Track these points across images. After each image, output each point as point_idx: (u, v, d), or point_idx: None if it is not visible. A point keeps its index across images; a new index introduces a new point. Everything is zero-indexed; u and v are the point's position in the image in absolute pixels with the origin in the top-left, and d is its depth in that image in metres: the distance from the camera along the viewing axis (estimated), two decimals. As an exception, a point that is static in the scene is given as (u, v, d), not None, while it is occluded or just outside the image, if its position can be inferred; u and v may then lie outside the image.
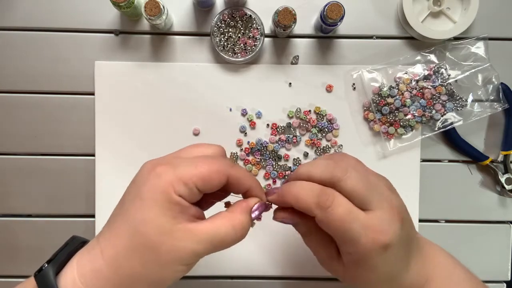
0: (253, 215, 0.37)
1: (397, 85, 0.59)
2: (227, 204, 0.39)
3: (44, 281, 0.33)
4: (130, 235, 0.33)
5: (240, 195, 0.39)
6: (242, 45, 0.57)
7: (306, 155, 0.60)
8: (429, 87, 0.59)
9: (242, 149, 0.59)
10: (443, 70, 0.59)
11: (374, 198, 0.34)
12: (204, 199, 0.36)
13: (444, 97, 0.59)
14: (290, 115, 0.59)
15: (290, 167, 0.60)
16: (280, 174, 0.59)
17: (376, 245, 0.33)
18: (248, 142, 0.59)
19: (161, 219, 0.32)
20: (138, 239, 0.32)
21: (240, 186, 0.36)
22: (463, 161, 0.61)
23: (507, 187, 0.60)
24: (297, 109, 0.59)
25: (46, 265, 0.34)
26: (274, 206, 0.40)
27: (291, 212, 0.38)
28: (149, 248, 0.32)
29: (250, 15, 0.57)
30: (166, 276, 0.33)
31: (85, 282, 0.33)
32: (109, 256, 0.33)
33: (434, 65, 0.59)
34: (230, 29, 0.57)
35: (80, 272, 0.33)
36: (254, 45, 0.57)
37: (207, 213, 0.37)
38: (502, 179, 0.60)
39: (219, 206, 0.39)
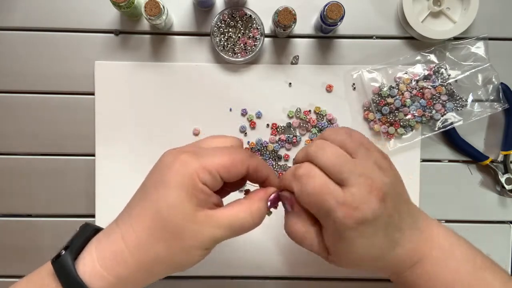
0: (269, 204, 0.38)
1: (397, 85, 0.59)
2: (247, 192, 0.41)
3: (62, 268, 0.33)
4: (154, 220, 0.33)
5: (257, 185, 0.40)
6: (242, 45, 0.57)
7: (306, 155, 0.60)
8: (429, 87, 0.59)
9: (242, 149, 0.59)
10: (443, 70, 0.59)
11: (350, 174, 0.34)
12: (222, 188, 0.38)
13: (444, 97, 0.59)
14: (290, 115, 0.59)
15: (290, 167, 0.60)
16: (280, 174, 0.59)
17: (350, 220, 0.34)
18: (248, 142, 0.59)
19: (186, 205, 0.33)
20: (162, 223, 0.33)
21: (258, 176, 0.38)
22: (463, 161, 0.61)
23: (507, 187, 0.60)
24: (297, 109, 0.59)
25: (64, 251, 0.34)
26: None
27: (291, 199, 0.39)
28: (174, 233, 0.33)
29: (250, 15, 0.57)
30: (188, 259, 0.34)
31: (104, 265, 0.33)
32: (131, 241, 0.33)
33: (434, 65, 0.59)
34: (230, 29, 0.57)
35: (100, 256, 0.34)
36: (254, 45, 0.57)
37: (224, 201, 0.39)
38: (502, 179, 0.60)
39: (234, 194, 0.41)
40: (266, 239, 0.59)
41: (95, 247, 0.34)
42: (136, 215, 0.34)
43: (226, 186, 0.38)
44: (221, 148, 0.36)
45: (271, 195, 0.38)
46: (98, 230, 0.37)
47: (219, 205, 0.36)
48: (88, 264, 0.33)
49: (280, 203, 0.40)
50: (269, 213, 0.41)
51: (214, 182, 0.34)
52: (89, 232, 0.36)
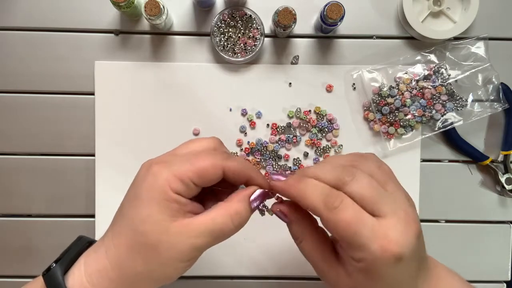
0: (254, 204, 0.36)
1: (397, 85, 0.59)
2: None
3: (52, 281, 0.33)
4: (130, 235, 0.33)
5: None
6: (242, 45, 0.57)
7: (306, 155, 0.60)
8: (429, 87, 0.59)
9: (242, 149, 0.59)
10: (443, 70, 0.59)
11: (387, 205, 0.32)
12: (210, 197, 0.37)
13: (444, 97, 0.59)
14: (290, 115, 0.59)
15: (290, 167, 0.60)
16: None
17: (387, 255, 0.31)
18: (248, 142, 0.59)
19: (158, 217, 0.32)
20: (138, 238, 0.33)
21: (238, 177, 0.36)
22: (463, 161, 0.61)
23: (507, 187, 0.60)
24: (297, 109, 0.59)
25: (54, 264, 0.34)
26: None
27: (290, 207, 0.37)
28: (149, 247, 0.32)
29: (250, 15, 0.57)
30: (168, 273, 0.34)
31: (91, 281, 0.33)
32: (112, 256, 0.33)
33: (434, 65, 0.59)
34: (230, 29, 0.57)
35: (87, 272, 0.34)
36: (254, 45, 0.57)
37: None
38: (502, 179, 0.60)
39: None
40: (266, 239, 0.59)
41: (83, 262, 0.35)
42: (117, 232, 0.34)
43: (219, 193, 0.38)
44: (193, 154, 0.35)
45: (252, 194, 0.36)
46: (92, 242, 0.37)
47: (198, 212, 0.35)
48: (76, 279, 0.34)
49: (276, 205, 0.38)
50: (262, 213, 0.40)
51: (188, 189, 0.33)
52: (82, 245, 0.36)
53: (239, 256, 0.60)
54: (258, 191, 0.37)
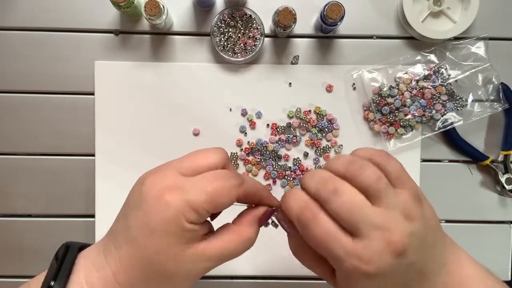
0: (262, 223, 0.37)
1: (397, 85, 0.59)
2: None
3: None
4: (144, 265, 0.33)
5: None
6: (242, 45, 0.57)
7: (306, 155, 0.60)
8: (429, 87, 0.59)
9: (242, 149, 0.59)
10: (443, 70, 0.59)
11: (365, 225, 0.31)
12: None
13: (444, 97, 0.59)
14: (290, 115, 0.59)
15: (290, 167, 0.60)
16: (280, 174, 0.59)
17: (358, 272, 0.31)
18: (248, 142, 0.59)
19: (174, 248, 0.32)
20: (153, 268, 0.33)
21: (250, 200, 0.36)
22: (463, 161, 0.61)
23: (507, 187, 0.60)
24: (297, 109, 0.59)
25: (53, 282, 0.33)
26: None
27: (288, 219, 0.37)
28: (165, 277, 0.33)
29: (250, 15, 0.57)
30: None
31: None
32: (123, 281, 0.33)
33: (434, 65, 0.59)
34: (230, 29, 0.57)
35: None
36: (254, 45, 0.57)
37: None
38: (502, 179, 0.60)
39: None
40: (266, 239, 0.59)
41: (84, 279, 0.34)
42: (126, 256, 0.33)
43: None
44: (206, 179, 0.33)
45: (261, 215, 0.36)
46: (82, 247, 0.36)
47: (210, 230, 0.35)
48: None
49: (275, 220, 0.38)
50: (266, 224, 0.39)
51: (201, 218, 0.33)
52: (74, 254, 0.35)
53: (239, 256, 0.60)
54: (268, 211, 0.37)
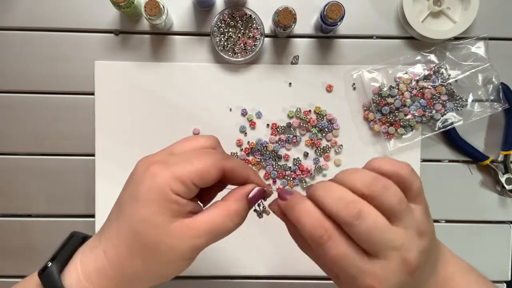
0: (252, 202, 0.36)
1: (397, 85, 0.59)
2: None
3: (48, 280, 0.33)
4: (130, 236, 0.33)
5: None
6: (242, 45, 0.57)
7: (306, 155, 0.60)
8: (429, 87, 0.59)
9: (242, 149, 0.59)
10: (443, 70, 0.59)
11: (385, 247, 0.31)
12: (204, 193, 0.37)
13: (444, 97, 0.59)
14: (290, 115, 0.59)
15: (290, 167, 0.60)
16: (280, 174, 0.59)
17: None
18: (248, 142, 0.59)
19: (158, 218, 0.32)
20: (138, 239, 0.33)
21: (236, 177, 0.36)
22: (463, 161, 0.61)
23: (507, 187, 0.60)
24: (297, 109, 0.59)
25: (50, 263, 0.34)
26: (275, 194, 0.38)
27: (282, 212, 0.36)
28: (149, 248, 0.32)
29: (250, 15, 0.57)
30: (168, 272, 0.34)
31: (89, 279, 0.33)
32: (111, 256, 0.33)
33: (434, 65, 0.59)
34: (230, 29, 0.57)
35: (85, 271, 0.34)
36: (254, 45, 0.57)
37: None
38: (502, 179, 0.60)
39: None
40: (265, 239, 0.59)
41: (79, 260, 0.34)
42: (115, 230, 0.34)
43: (206, 191, 0.37)
44: (193, 153, 0.34)
45: (249, 192, 0.36)
46: (86, 238, 0.37)
47: (199, 211, 0.35)
48: (73, 277, 0.34)
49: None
50: (260, 215, 0.39)
51: (188, 190, 0.33)
52: (76, 242, 0.36)
53: (238, 256, 0.60)
54: (256, 189, 0.37)
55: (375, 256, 0.31)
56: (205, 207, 0.35)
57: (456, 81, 0.59)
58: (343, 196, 0.31)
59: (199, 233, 0.33)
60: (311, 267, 0.61)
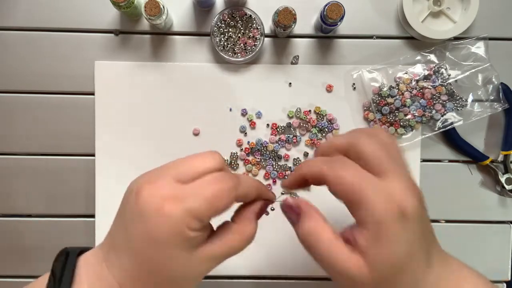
0: (259, 217, 0.38)
1: (397, 85, 0.59)
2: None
3: None
4: (152, 277, 0.33)
5: None
6: (242, 45, 0.57)
7: (306, 155, 0.60)
8: (429, 87, 0.59)
9: (242, 149, 0.59)
10: (443, 70, 0.59)
11: (390, 165, 0.32)
12: None
13: (444, 97, 0.59)
14: (290, 115, 0.59)
15: (290, 167, 0.60)
16: (280, 174, 0.59)
17: (393, 212, 0.31)
18: (248, 142, 0.59)
19: (181, 256, 0.32)
20: (161, 278, 0.33)
21: (247, 199, 0.37)
22: (463, 161, 0.61)
23: (507, 187, 0.60)
24: (297, 109, 0.59)
25: None
26: (277, 201, 0.39)
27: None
28: (174, 282, 0.34)
29: (250, 15, 0.57)
30: None
31: None
32: None
33: (434, 65, 0.59)
34: (230, 29, 0.57)
35: None
36: (254, 45, 0.57)
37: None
38: (502, 179, 0.60)
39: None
40: (265, 240, 0.59)
41: None
42: (130, 269, 0.33)
43: None
44: (204, 184, 0.33)
45: (259, 211, 0.38)
46: (82, 251, 0.36)
47: (210, 228, 0.35)
48: None
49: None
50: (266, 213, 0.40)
51: (204, 224, 0.33)
52: (74, 262, 0.35)
53: (238, 256, 0.60)
54: (264, 204, 0.38)
55: (384, 177, 0.32)
56: (217, 227, 0.36)
57: (456, 81, 0.59)
58: (341, 136, 0.37)
59: (216, 257, 0.35)
60: (311, 267, 0.61)
